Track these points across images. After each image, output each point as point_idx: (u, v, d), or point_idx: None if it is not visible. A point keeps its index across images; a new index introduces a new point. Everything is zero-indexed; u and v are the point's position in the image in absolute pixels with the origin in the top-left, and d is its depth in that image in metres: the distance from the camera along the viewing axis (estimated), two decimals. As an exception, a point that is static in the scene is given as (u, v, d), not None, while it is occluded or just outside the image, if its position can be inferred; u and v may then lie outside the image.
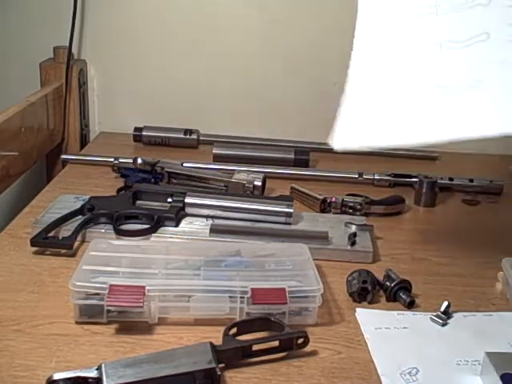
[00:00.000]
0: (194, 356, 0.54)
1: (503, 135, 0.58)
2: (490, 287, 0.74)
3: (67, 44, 1.14)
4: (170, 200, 0.85)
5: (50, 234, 0.77)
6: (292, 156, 1.08)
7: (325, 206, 0.91)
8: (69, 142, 1.19)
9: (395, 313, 0.67)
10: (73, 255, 0.75)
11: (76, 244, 0.77)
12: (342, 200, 0.90)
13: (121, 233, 0.79)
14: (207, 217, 0.84)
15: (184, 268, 0.68)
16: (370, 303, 0.69)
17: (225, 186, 0.94)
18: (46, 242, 0.76)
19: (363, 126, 0.63)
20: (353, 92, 0.65)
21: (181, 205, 0.84)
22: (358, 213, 0.89)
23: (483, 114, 0.60)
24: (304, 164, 1.08)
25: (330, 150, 0.68)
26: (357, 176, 1.04)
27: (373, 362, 0.59)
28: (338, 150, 0.62)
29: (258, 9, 1.17)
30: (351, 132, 0.63)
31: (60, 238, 0.77)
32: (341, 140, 0.62)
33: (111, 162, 1.01)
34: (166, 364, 0.53)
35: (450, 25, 0.63)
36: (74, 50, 1.18)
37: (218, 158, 1.08)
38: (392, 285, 0.69)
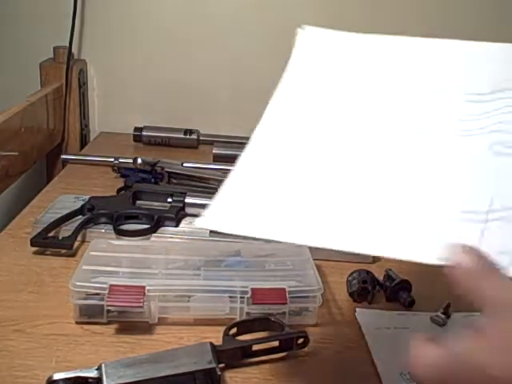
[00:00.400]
0: (194, 356, 0.54)
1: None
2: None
3: (67, 44, 1.14)
4: (169, 200, 0.85)
5: (50, 234, 0.77)
6: (292, 156, 1.08)
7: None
8: (69, 142, 1.19)
9: (395, 313, 0.67)
10: (73, 255, 0.75)
11: (76, 244, 0.77)
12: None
13: (121, 233, 0.79)
14: (207, 217, 0.84)
15: (184, 268, 0.68)
16: (370, 303, 0.69)
17: (225, 186, 0.93)
18: (46, 241, 0.76)
19: (249, 209, 0.46)
20: (247, 164, 0.49)
21: (181, 205, 0.84)
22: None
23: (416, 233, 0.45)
24: (304, 164, 1.07)
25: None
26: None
27: (373, 362, 0.59)
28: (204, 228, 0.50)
29: (258, 9, 1.17)
30: (230, 212, 0.47)
31: (60, 237, 0.77)
32: (212, 218, 0.48)
33: (111, 161, 1.01)
34: (166, 364, 0.53)
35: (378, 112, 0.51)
36: (74, 50, 1.18)
37: (217, 158, 1.08)
38: (392, 285, 0.69)
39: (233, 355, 0.57)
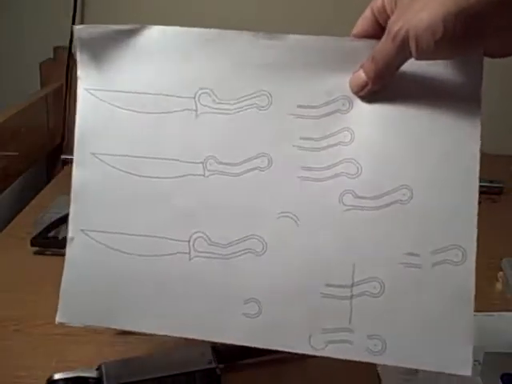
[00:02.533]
0: (194, 356, 0.54)
1: None
2: (490, 287, 0.74)
3: (67, 44, 1.14)
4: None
5: (50, 234, 0.77)
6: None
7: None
8: (69, 142, 1.19)
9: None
10: (73, 255, 0.75)
11: (76, 244, 0.77)
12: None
13: (121, 233, 0.79)
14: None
15: (184, 268, 0.68)
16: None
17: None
18: (46, 241, 0.76)
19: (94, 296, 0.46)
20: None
21: (181, 205, 0.84)
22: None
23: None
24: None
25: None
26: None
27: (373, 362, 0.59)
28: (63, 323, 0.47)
29: (259, 9, 1.17)
30: (78, 301, 0.46)
31: (60, 238, 0.77)
32: (66, 311, 0.46)
33: (111, 162, 1.01)
34: (166, 364, 0.53)
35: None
36: (74, 50, 1.18)
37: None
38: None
39: (233, 355, 0.57)
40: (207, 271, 0.44)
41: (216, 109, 0.45)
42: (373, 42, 0.43)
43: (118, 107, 0.47)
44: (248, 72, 0.45)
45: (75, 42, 0.52)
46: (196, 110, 0.45)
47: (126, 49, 0.47)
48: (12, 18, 1.17)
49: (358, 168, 0.44)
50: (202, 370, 0.53)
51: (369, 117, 0.44)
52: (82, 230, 0.47)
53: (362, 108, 0.44)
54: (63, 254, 0.76)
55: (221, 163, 0.44)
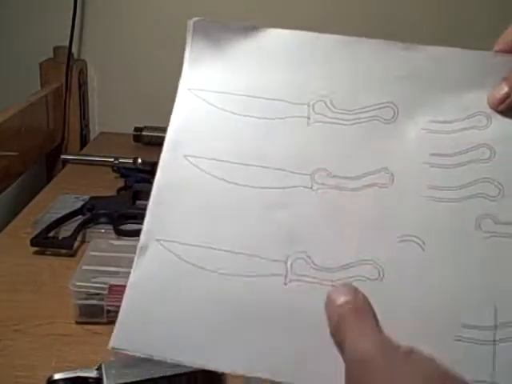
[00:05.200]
0: (194, 356, 0.54)
1: None
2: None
3: (67, 44, 1.14)
4: (169, 200, 0.85)
5: (50, 234, 0.77)
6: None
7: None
8: (69, 142, 1.19)
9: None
10: (73, 255, 0.75)
11: (76, 244, 0.77)
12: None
13: (121, 233, 0.79)
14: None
15: (184, 268, 0.68)
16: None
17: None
18: (46, 242, 0.76)
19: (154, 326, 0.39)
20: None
21: (181, 205, 0.84)
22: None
23: None
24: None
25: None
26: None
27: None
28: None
29: (258, 10, 1.17)
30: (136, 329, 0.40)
31: (60, 238, 0.77)
32: (123, 336, 0.41)
33: (111, 161, 1.01)
34: (166, 364, 0.53)
35: None
36: (74, 50, 1.18)
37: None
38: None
39: (233, 355, 0.57)
40: (306, 300, 0.37)
41: (332, 118, 0.41)
42: None
43: (222, 109, 0.43)
44: (373, 82, 0.42)
45: (187, 35, 0.47)
46: (308, 118, 0.42)
47: (240, 49, 0.44)
48: (12, 17, 1.18)
49: (499, 189, 0.39)
50: (202, 369, 0.53)
51: (509, 133, 0.40)
52: (157, 240, 0.40)
53: (501, 124, 0.41)
54: (63, 254, 0.76)
55: (333, 176, 0.40)
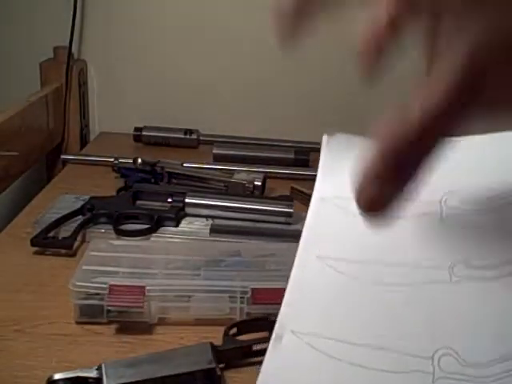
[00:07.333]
0: (194, 356, 0.54)
1: None
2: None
3: (67, 44, 1.14)
4: (170, 200, 0.85)
5: (50, 234, 0.77)
6: (292, 156, 1.08)
7: (325, 206, 0.91)
8: (69, 142, 1.19)
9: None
10: (73, 255, 0.75)
11: (76, 244, 0.77)
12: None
13: (121, 233, 0.79)
14: (207, 217, 0.84)
15: (184, 268, 0.68)
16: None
17: (225, 186, 0.94)
18: (46, 241, 0.76)
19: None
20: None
21: (181, 205, 0.84)
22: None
23: None
24: (304, 164, 1.07)
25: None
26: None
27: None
28: None
29: (258, 9, 1.16)
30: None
31: (60, 237, 0.77)
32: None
33: (111, 161, 1.01)
34: (166, 364, 0.53)
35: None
36: (74, 50, 1.18)
37: (218, 158, 1.08)
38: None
39: (233, 355, 0.57)
40: None
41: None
42: None
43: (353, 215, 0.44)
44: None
45: (322, 149, 0.51)
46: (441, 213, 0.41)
47: None
48: (12, 18, 1.18)
49: None
50: (202, 369, 0.53)
51: None
52: (292, 332, 0.41)
53: None
54: (63, 254, 0.76)
55: (471, 267, 0.39)
